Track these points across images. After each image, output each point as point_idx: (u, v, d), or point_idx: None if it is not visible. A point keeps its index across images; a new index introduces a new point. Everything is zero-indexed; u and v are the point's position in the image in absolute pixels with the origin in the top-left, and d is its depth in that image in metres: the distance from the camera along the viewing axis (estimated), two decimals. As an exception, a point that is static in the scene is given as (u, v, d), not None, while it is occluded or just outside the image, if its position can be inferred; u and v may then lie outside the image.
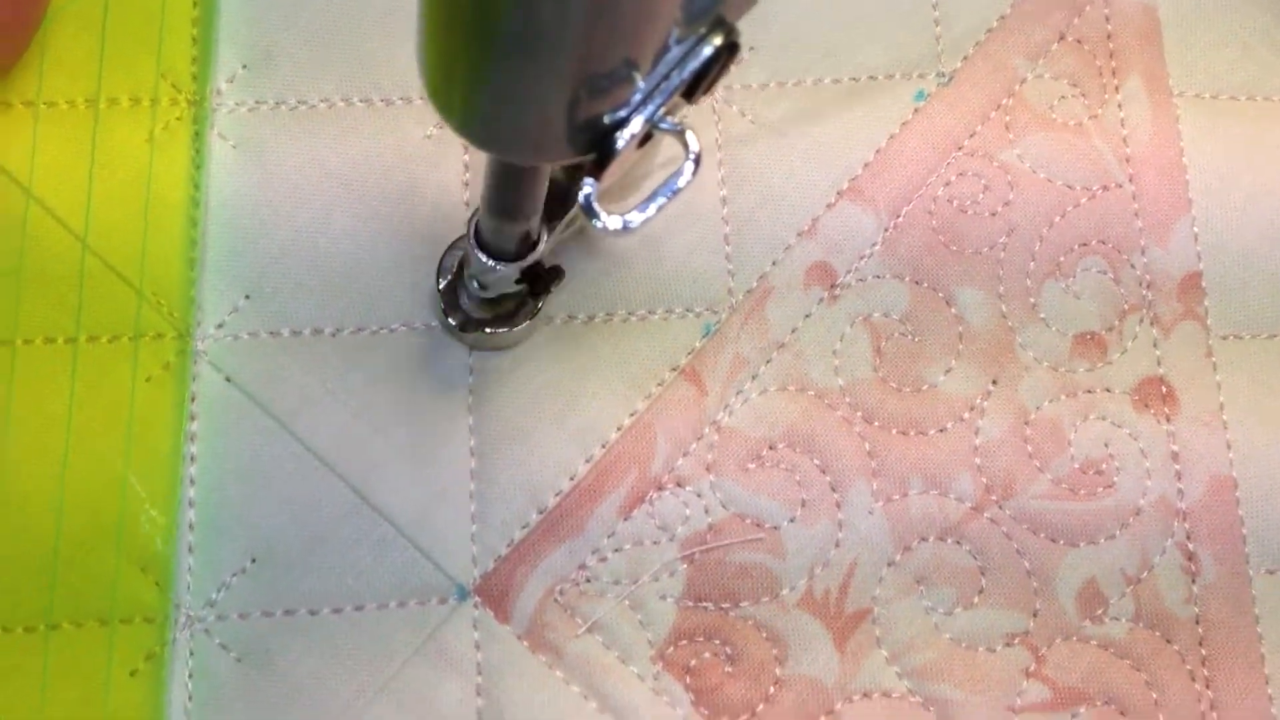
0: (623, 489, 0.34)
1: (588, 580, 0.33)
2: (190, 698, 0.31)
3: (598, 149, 0.24)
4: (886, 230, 0.36)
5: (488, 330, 0.32)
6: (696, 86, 0.24)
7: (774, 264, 0.35)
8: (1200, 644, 0.34)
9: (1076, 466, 0.35)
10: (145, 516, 0.32)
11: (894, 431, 0.35)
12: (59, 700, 0.30)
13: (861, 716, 0.33)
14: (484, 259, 0.30)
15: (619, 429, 0.34)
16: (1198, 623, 0.34)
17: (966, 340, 0.35)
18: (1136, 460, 0.35)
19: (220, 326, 0.33)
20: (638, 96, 0.23)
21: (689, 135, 0.25)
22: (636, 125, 0.23)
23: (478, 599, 0.33)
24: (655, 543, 0.33)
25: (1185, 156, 0.37)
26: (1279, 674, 0.34)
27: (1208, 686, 0.34)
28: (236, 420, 0.33)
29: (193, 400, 0.33)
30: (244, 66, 0.35)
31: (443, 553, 0.33)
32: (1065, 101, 0.37)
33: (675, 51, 0.23)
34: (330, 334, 0.34)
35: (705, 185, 0.36)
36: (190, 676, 0.31)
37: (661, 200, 0.25)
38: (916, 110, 0.37)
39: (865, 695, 0.33)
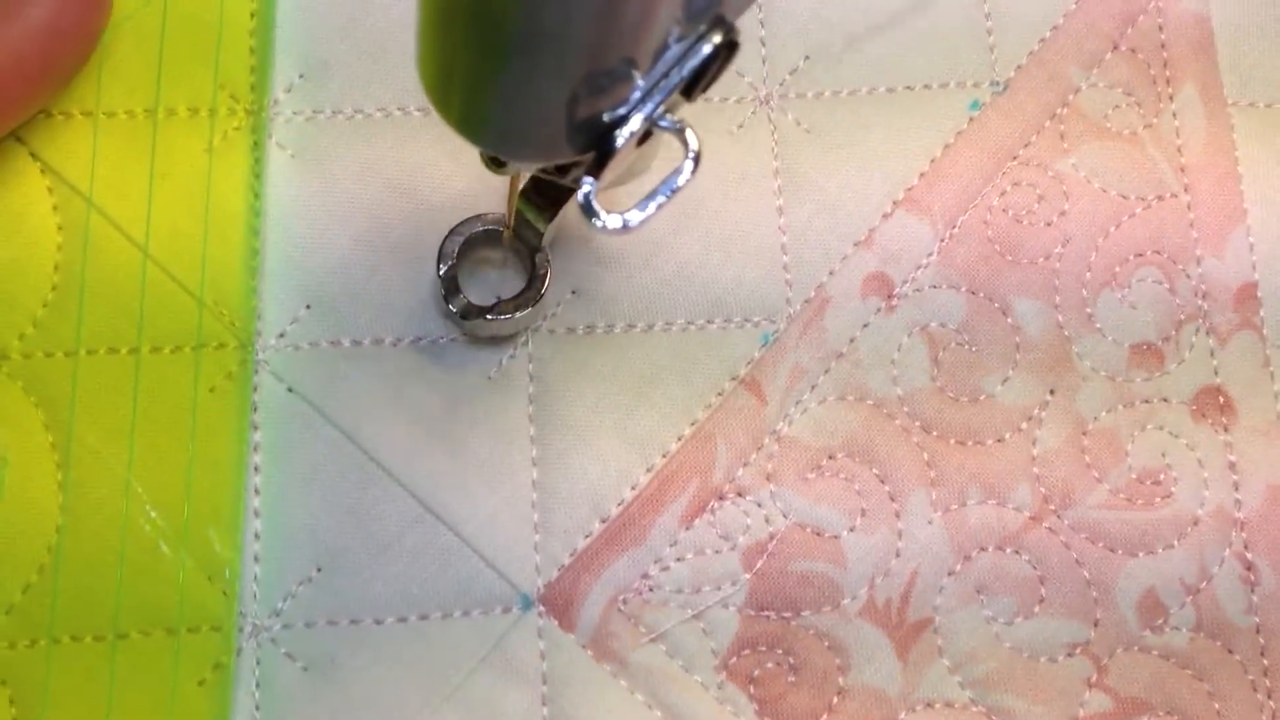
0: (684, 498, 0.34)
1: (651, 589, 0.33)
2: (257, 707, 0.31)
3: (597, 147, 0.24)
4: (942, 240, 0.36)
5: (488, 317, 0.32)
6: (696, 84, 0.24)
7: (831, 274, 0.36)
8: (1262, 654, 0.34)
9: (1134, 476, 0.35)
10: (211, 526, 0.32)
11: (952, 441, 0.35)
12: (126, 709, 0.30)
13: (924, 726, 0.33)
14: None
15: (680, 438, 0.34)
16: (1258, 632, 0.34)
17: (1023, 350, 0.35)
18: (1194, 470, 0.35)
19: (281, 336, 0.33)
20: (637, 94, 0.23)
21: (688, 133, 0.25)
22: (636, 123, 0.23)
23: (542, 608, 0.33)
24: (717, 552, 0.33)
25: (1240, 166, 0.37)
26: (1340, 684, 0.34)
27: (1269, 697, 0.34)
28: (299, 430, 0.33)
29: (255, 410, 0.33)
30: (301, 76, 0.36)
31: (506, 562, 0.33)
32: (1120, 111, 0.37)
33: (675, 50, 0.23)
34: (391, 344, 0.34)
35: (762, 195, 0.36)
36: (257, 686, 0.31)
37: (661, 199, 0.25)
38: (971, 120, 0.37)
39: (928, 705, 0.33)
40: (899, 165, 0.36)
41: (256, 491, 0.32)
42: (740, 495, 0.34)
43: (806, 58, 0.37)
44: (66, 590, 0.31)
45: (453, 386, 0.34)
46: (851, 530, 0.34)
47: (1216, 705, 0.34)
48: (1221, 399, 0.36)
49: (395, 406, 0.33)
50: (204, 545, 0.32)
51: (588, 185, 0.24)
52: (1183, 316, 0.36)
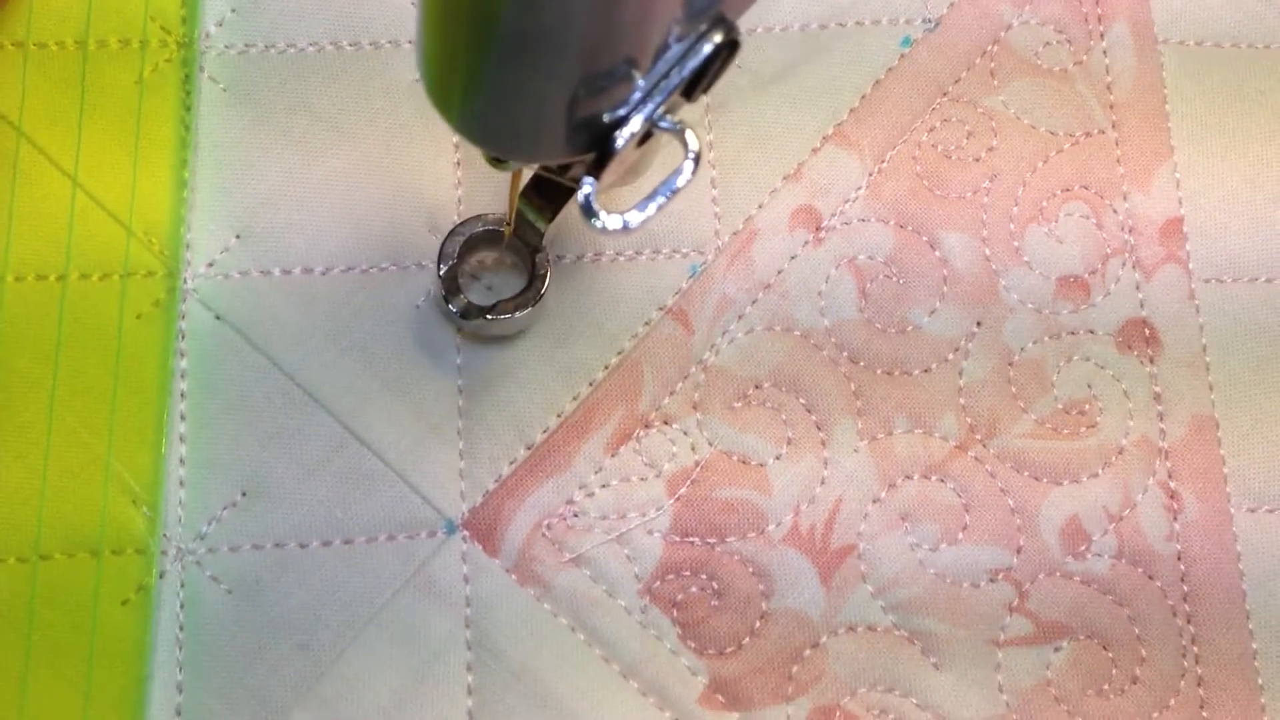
0: (610, 426, 0.34)
1: (575, 515, 0.33)
2: (181, 628, 0.31)
3: (597, 148, 0.24)
4: (871, 174, 0.36)
5: (488, 317, 0.32)
6: (696, 85, 0.24)
7: (760, 207, 0.36)
8: (1182, 580, 0.34)
9: (1060, 406, 0.35)
10: (135, 451, 0.32)
11: (879, 371, 0.35)
12: (49, 627, 0.30)
13: (847, 650, 0.33)
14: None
15: (606, 367, 0.34)
16: (1179, 559, 0.35)
17: (950, 283, 0.36)
18: (1119, 401, 0.36)
19: (211, 265, 0.34)
20: (637, 95, 0.23)
21: (688, 134, 0.25)
22: (636, 124, 0.23)
23: (466, 533, 0.33)
24: (642, 479, 0.34)
25: (1168, 104, 0.38)
26: (1260, 609, 0.34)
27: (1189, 622, 0.34)
28: (226, 357, 0.33)
29: (182, 338, 0.33)
30: (232, 10, 0.36)
31: (431, 487, 0.33)
32: (1050, 48, 0.38)
33: (675, 50, 0.23)
34: (320, 273, 0.34)
35: (693, 128, 0.36)
36: (181, 608, 0.31)
37: (661, 200, 0.25)
38: (902, 56, 0.37)
39: (850, 629, 0.33)
40: (829, 100, 0.37)
41: (182, 417, 0.32)
42: (666, 423, 0.34)
43: (738, -6, 0.37)
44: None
45: (380, 315, 0.34)
46: (777, 458, 0.34)
47: (1136, 630, 0.34)
48: (1147, 331, 0.36)
49: (323, 334, 0.33)
50: (128, 469, 0.32)
51: (588, 186, 0.25)
52: (1109, 250, 0.36)
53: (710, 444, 0.34)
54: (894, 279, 0.36)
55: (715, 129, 0.36)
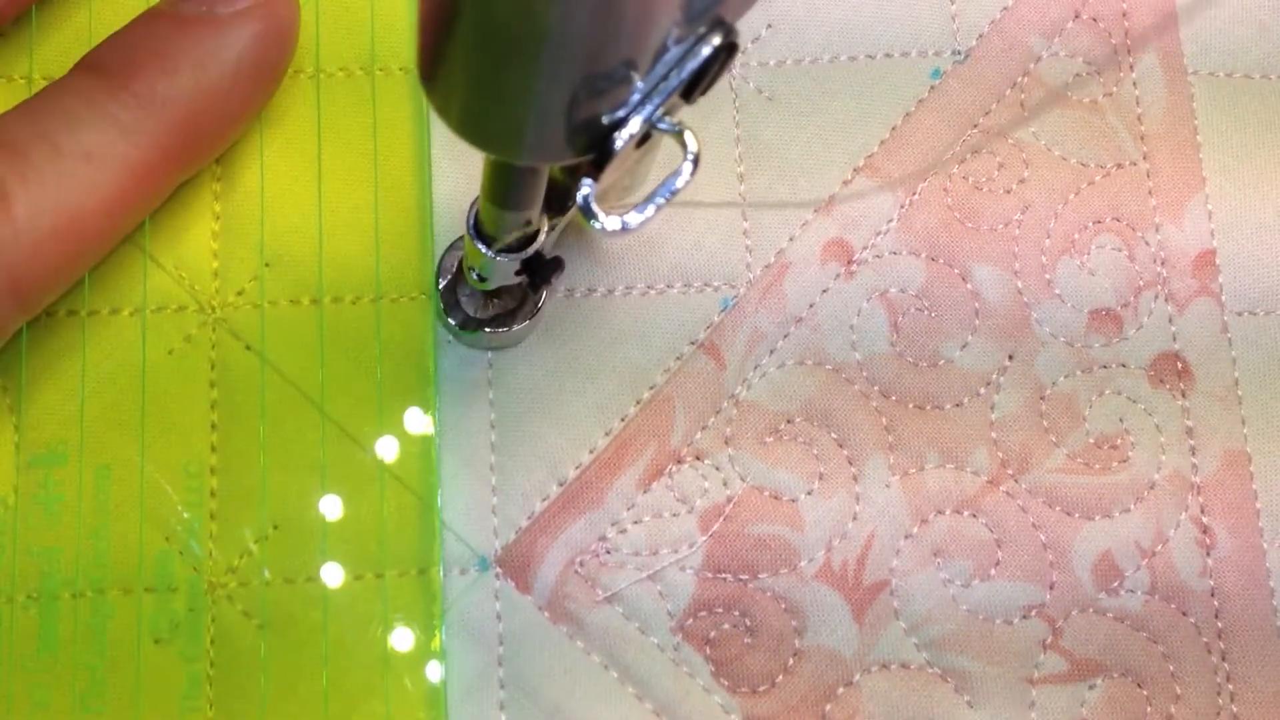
0: (642, 462, 0.34)
1: (608, 552, 0.33)
2: (212, 664, 0.31)
3: (596, 149, 0.24)
4: (902, 207, 0.36)
5: (487, 330, 0.32)
6: (695, 87, 0.24)
7: (791, 240, 0.36)
8: (1216, 616, 0.34)
9: (1091, 441, 0.35)
10: (168, 487, 0.32)
11: (911, 406, 0.35)
12: (81, 667, 0.30)
13: (880, 688, 0.33)
14: (483, 249, 0.29)
15: (638, 402, 0.34)
16: (1213, 595, 0.34)
17: (982, 316, 0.36)
18: (1151, 435, 0.35)
19: (240, 294, 0.34)
20: (636, 97, 0.23)
21: (687, 135, 0.25)
22: (635, 125, 0.23)
23: (499, 570, 0.33)
24: (674, 515, 0.33)
25: (1199, 135, 0.37)
26: (1294, 646, 0.34)
27: (1224, 659, 0.34)
28: (257, 389, 0.33)
29: (212, 369, 0.33)
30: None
31: (464, 524, 0.33)
32: (1080, 79, 0.37)
33: (674, 52, 0.23)
34: (350, 301, 0.34)
35: (723, 161, 0.36)
36: (211, 643, 0.31)
37: (660, 201, 0.25)
38: (932, 88, 0.37)
39: (884, 666, 0.33)
40: (860, 132, 0.37)
41: (213, 449, 0.32)
42: (698, 459, 0.34)
43: (769, 26, 0.37)
44: (22, 551, 0.31)
45: (411, 347, 0.34)
46: (809, 494, 0.34)
47: (1171, 667, 0.34)
48: (1179, 365, 0.36)
49: (354, 365, 0.33)
50: (161, 504, 0.32)
51: (587, 187, 0.24)
52: (1141, 283, 0.36)
53: (742, 479, 0.34)
54: (926, 312, 0.35)
55: (745, 161, 0.36)
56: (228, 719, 0.31)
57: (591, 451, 0.34)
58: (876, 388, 0.35)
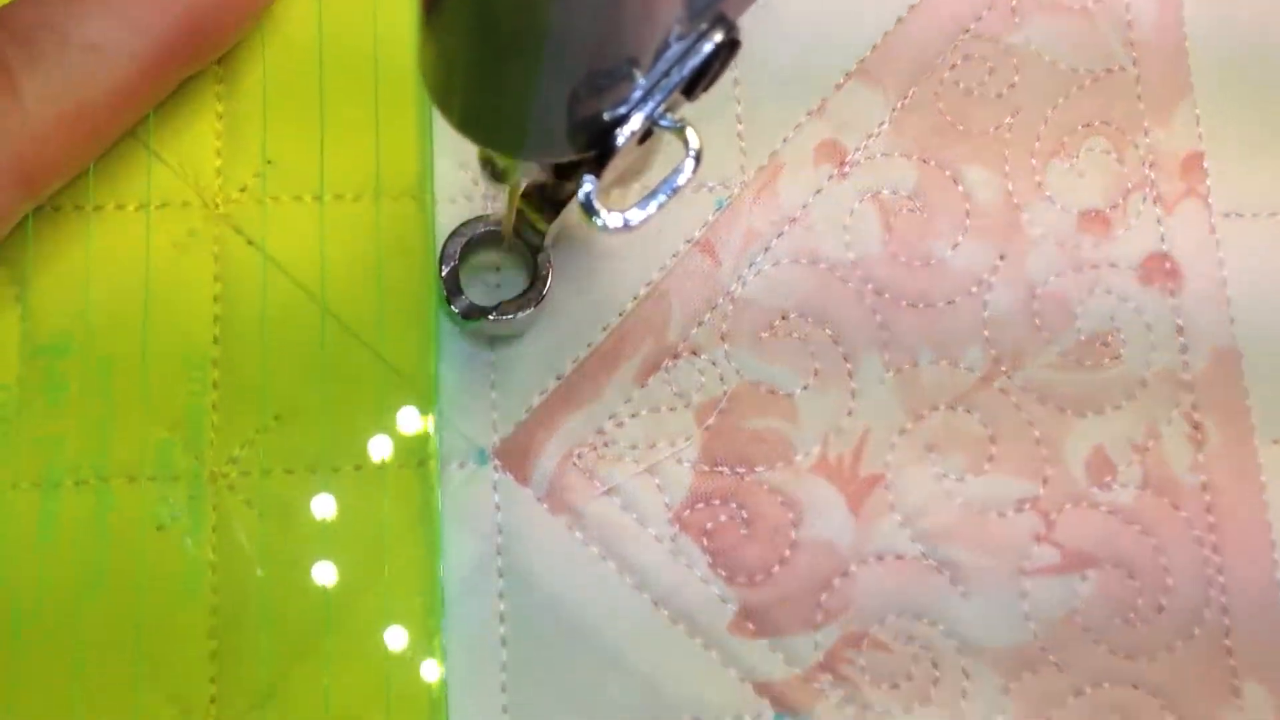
0: (639, 356, 0.34)
1: (605, 444, 0.33)
2: (214, 551, 0.31)
3: (598, 146, 0.24)
4: (894, 110, 0.37)
5: (490, 317, 0.32)
6: (697, 84, 0.24)
7: (784, 142, 0.36)
8: (1207, 510, 0.35)
9: (1083, 338, 0.36)
10: (171, 376, 0.32)
11: (904, 304, 0.35)
12: (82, 549, 0.31)
13: (875, 578, 0.33)
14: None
15: (635, 298, 0.34)
16: (1204, 489, 0.35)
17: (974, 217, 0.36)
18: (1142, 333, 0.36)
19: (243, 190, 0.34)
20: (638, 94, 0.23)
21: (689, 132, 0.25)
22: (636, 122, 0.23)
23: (497, 462, 0.33)
24: (671, 409, 0.34)
25: (1188, 40, 0.38)
26: (1283, 537, 0.35)
27: (1215, 551, 0.34)
28: (259, 283, 0.33)
29: (215, 262, 0.33)
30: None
31: (463, 418, 0.33)
32: (1069, -14, 0.38)
33: (676, 48, 0.23)
34: (352, 199, 0.34)
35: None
36: (213, 532, 0.32)
37: (662, 198, 0.25)
38: (924, -6, 0.37)
39: (879, 558, 0.34)
40: (852, 37, 0.37)
41: (216, 341, 0.33)
42: (694, 354, 0.34)
43: (761, -66, 0.37)
44: (26, 439, 0.31)
45: (410, 243, 0.34)
46: (805, 388, 0.34)
47: (1162, 559, 0.34)
48: (1168, 264, 0.36)
49: (355, 262, 0.33)
50: (165, 395, 0.32)
51: (589, 184, 0.25)
52: (1130, 185, 0.37)
53: (738, 374, 0.34)
54: (918, 213, 0.36)
55: (740, 66, 0.36)
56: (228, 606, 0.31)
57: (589, 346, 0.34)
58: (870, 286, 0.35)
